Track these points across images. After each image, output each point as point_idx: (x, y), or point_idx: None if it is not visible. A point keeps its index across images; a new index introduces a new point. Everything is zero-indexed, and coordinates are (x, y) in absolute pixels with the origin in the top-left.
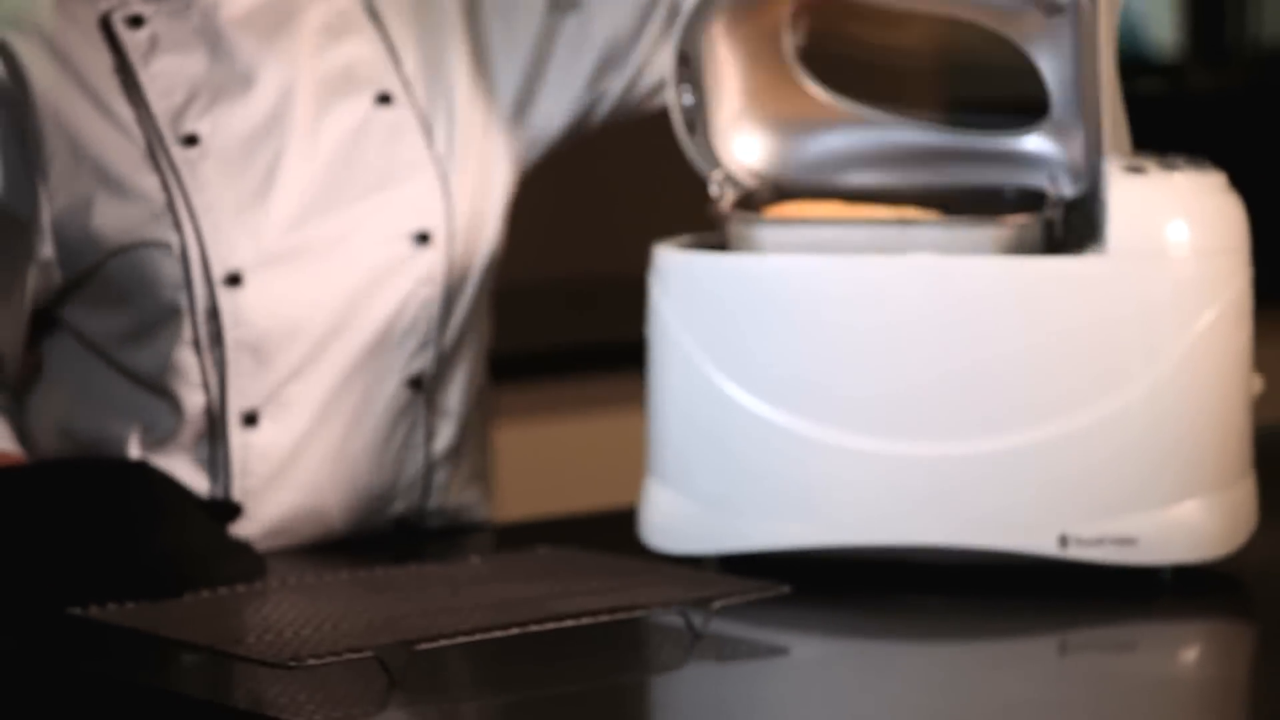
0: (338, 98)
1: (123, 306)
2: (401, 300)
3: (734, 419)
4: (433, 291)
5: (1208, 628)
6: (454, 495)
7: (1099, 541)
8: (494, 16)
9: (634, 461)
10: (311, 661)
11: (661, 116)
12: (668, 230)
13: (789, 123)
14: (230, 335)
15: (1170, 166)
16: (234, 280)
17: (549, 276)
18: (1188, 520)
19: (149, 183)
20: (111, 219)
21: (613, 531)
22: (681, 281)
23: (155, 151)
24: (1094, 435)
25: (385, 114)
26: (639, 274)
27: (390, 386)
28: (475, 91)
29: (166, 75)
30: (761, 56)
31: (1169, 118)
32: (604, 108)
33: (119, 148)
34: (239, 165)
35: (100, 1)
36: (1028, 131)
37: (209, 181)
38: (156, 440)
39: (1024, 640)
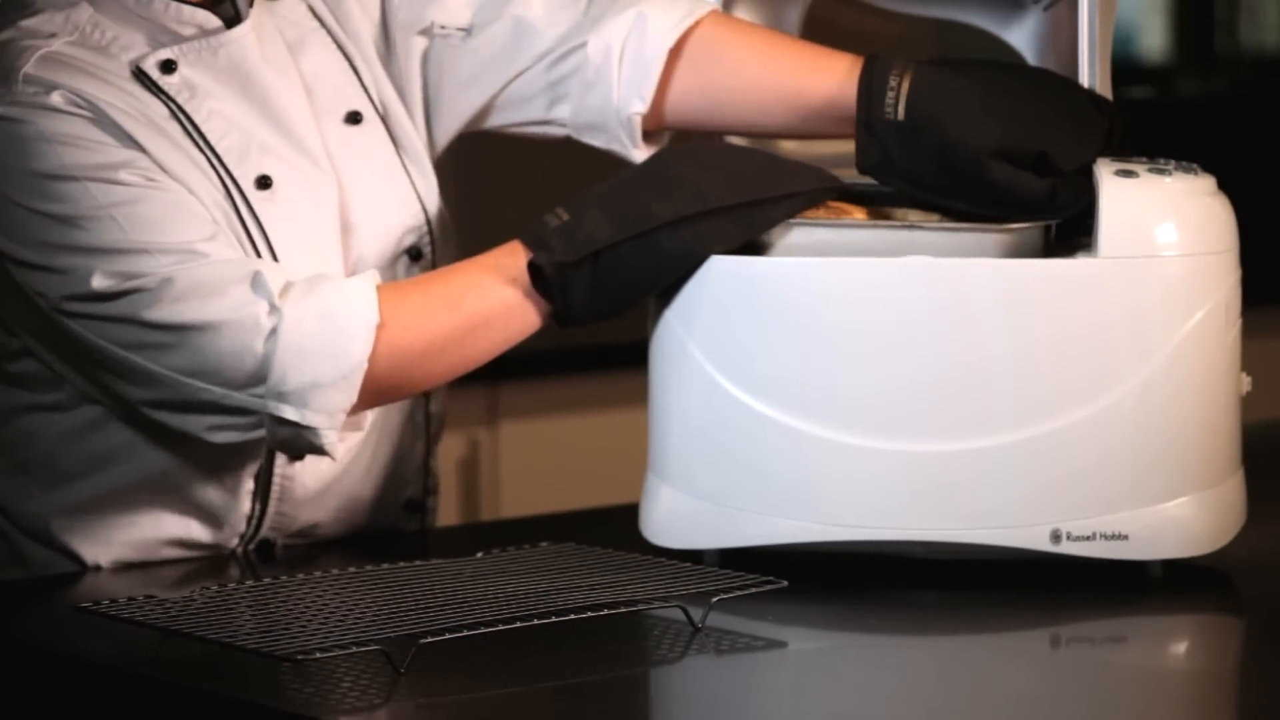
0: (330, 121)
1: None
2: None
3: (733, 417)
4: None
5: (1197, 621)
6: (434, 476)
7: (1091, 537)
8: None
9: (635, 459)
10: (318, 655)
11: None
12: None
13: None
14: None
15: (1160, 170)
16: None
17: None
18: (1178, 516)
19: (235, 227)
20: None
21: (614, 527)
22: (681, 281)
23: (233, 198)
24: (1086, 433)
25: (361, 133)
26: None
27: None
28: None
29: (218, 117)
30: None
31: (1158, 122)
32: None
33: (206, 191)
34: (297, 206)
35: (118, 54)
36: None
37: (276, 224)
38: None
39: (1017, 634)
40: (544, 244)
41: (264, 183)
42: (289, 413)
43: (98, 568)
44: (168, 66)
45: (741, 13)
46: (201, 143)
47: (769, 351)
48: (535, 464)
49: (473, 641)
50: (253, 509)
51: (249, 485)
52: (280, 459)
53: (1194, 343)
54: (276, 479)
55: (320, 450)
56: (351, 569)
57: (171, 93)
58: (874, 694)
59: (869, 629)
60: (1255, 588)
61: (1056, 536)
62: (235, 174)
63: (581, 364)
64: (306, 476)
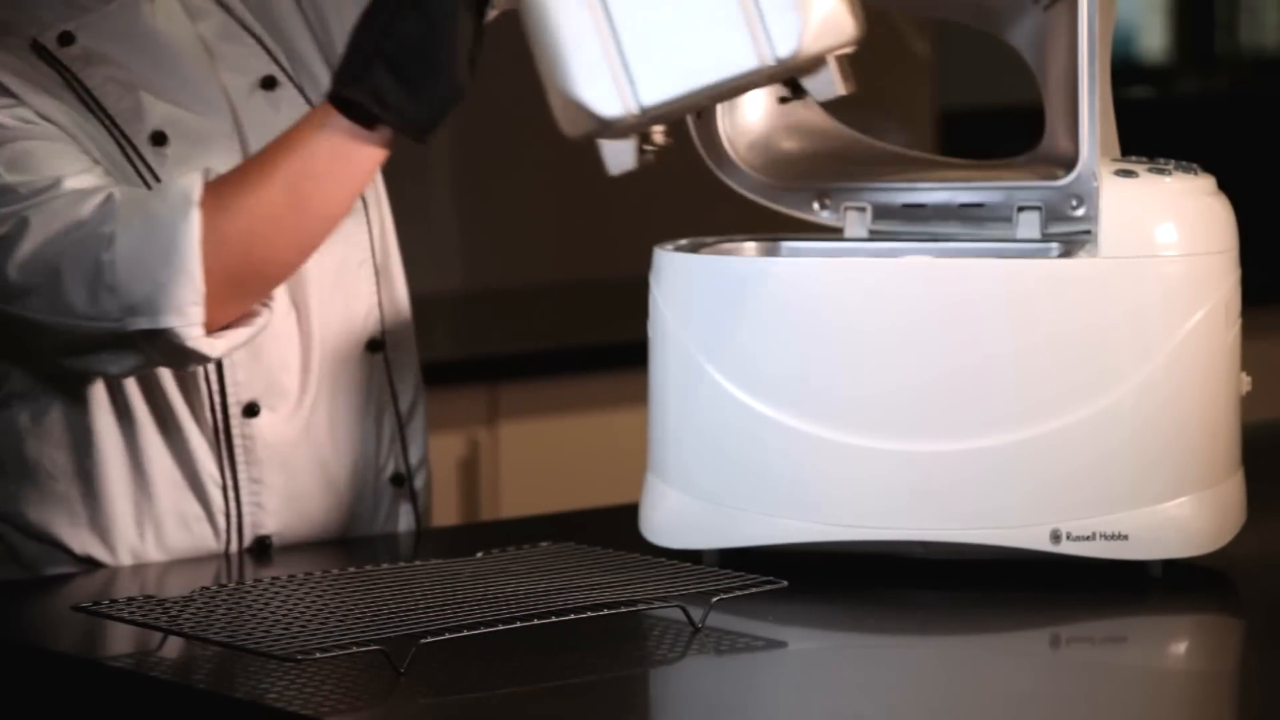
0: (243, 87)
1: None
2: (350, 272)
3: (733, 417)
4: (365, 255)
5: (1197, 621)
6: (419, 447)
7: (1091, 537)
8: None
9: (635, 459)
10: (319, 655)
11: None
12: (666, 233)
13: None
14: None
15: (1160, 170)
16: None
17: (550, 278)
18: (1178, 516)
19: (133, 180)
20: None
21: (614, 527)
22: (681, 282)
23: (129, 154)
24: (1086, 433)
25: (277, 97)
26: (639, 275)
27: (355, 354)
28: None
29: (113, 81)
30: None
31: (1158, 122)
32: None
33: (99, 144)
34: (193, 157)
35: (23, 30)
36: (1022, 162)
37: (174, 175)
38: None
39: (1017, 633)
40: (333, 82)
41: (159, 138)
42: (144, 323)
43: (90, 560)
44: (66, 39)
45: None
46: (95, 106)
47: (769, 351)
48: (535, 464)
49: (473, 641)
50: (223, 474)
51: (210, 445)
52: (235, 417)
53: (1194, 343)
54: (238, 440)
55: (198, 356)
56: (351, 569)
57: (66, 62)
58: (874, 694)
59: (869, 629)
60: (1255, 588)
61: (1056, 536)
62: (129, 131)
63: (581, 364)
64: (264, 431)
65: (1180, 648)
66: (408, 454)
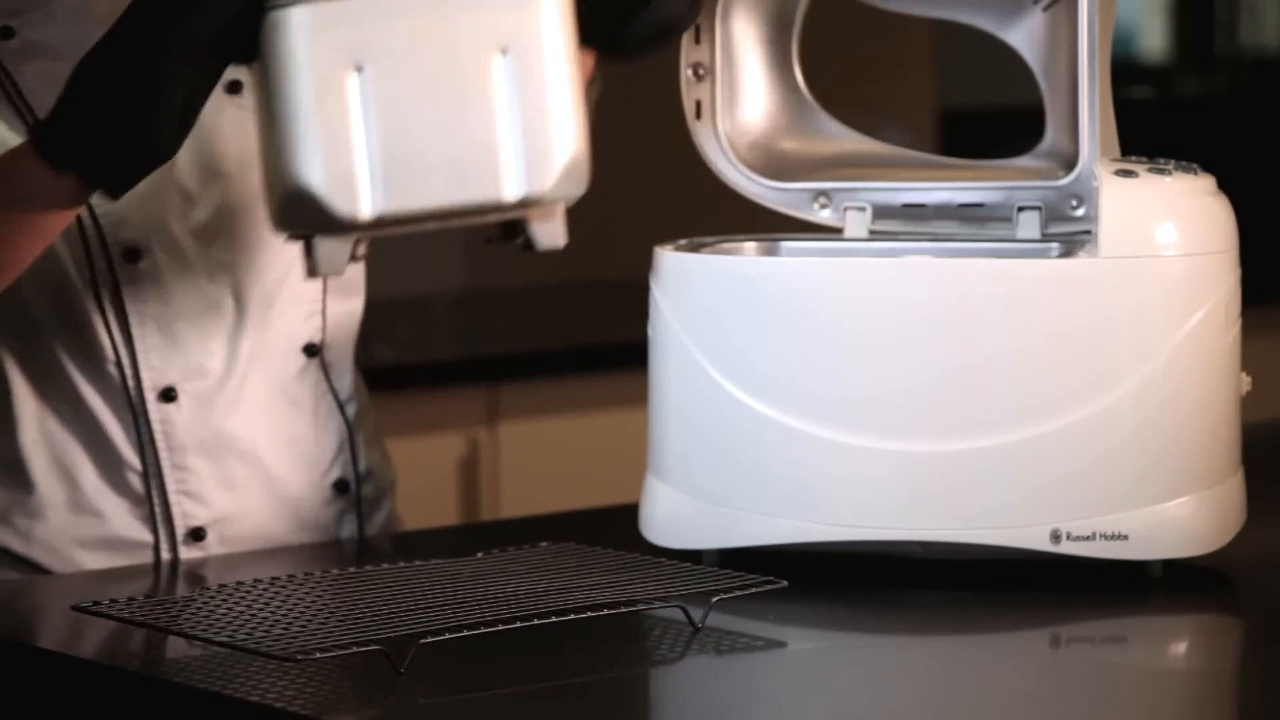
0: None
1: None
2: (299, 275)
3: (733, 417)
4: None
5: (1197, 622)
6: (368, 457)
7: (1091, 537)
8: None
9: (635, 459)
10: (318, 655)
11: (662, 121)
12: (666, 233)
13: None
14: (134, 312)
15: (1160, 170)
16: (132, 257)
17: (550, 278)
18: (1178, 516)
19: None
20: None
21: (613, 527)
22: (681, 282)
23: None
24: (1086, 433)
25: (238, 101)
26: (639, 275)
27: (290, 353)
28: None
29: (41, 78)
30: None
31: (1158, 122)
32: None
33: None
34: None
35: None
36: (1022, 163)
37: None
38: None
39: (1016, 634)
40: (37, 122)
41: None
42: None
43: (28, 562)
44: (6, 33)
45: (740, 12)
46: (20, 102)
47: (769, 351)
48: (535, 464)
49: (473, 641)
50: (144, 462)
51: (127, 432)
52: (151, 402)
53: (1194, 343)
54: (156, 426)
55: None
56: (351, 569)
57: (2, 58)
58: (874, 694)
59: (869, 629)
60: (1255, 588)
61: (1056, 536)
62: None
63: (581, 364)
64: (184, 416)
65: (1180, 648)
66: (357, 462)
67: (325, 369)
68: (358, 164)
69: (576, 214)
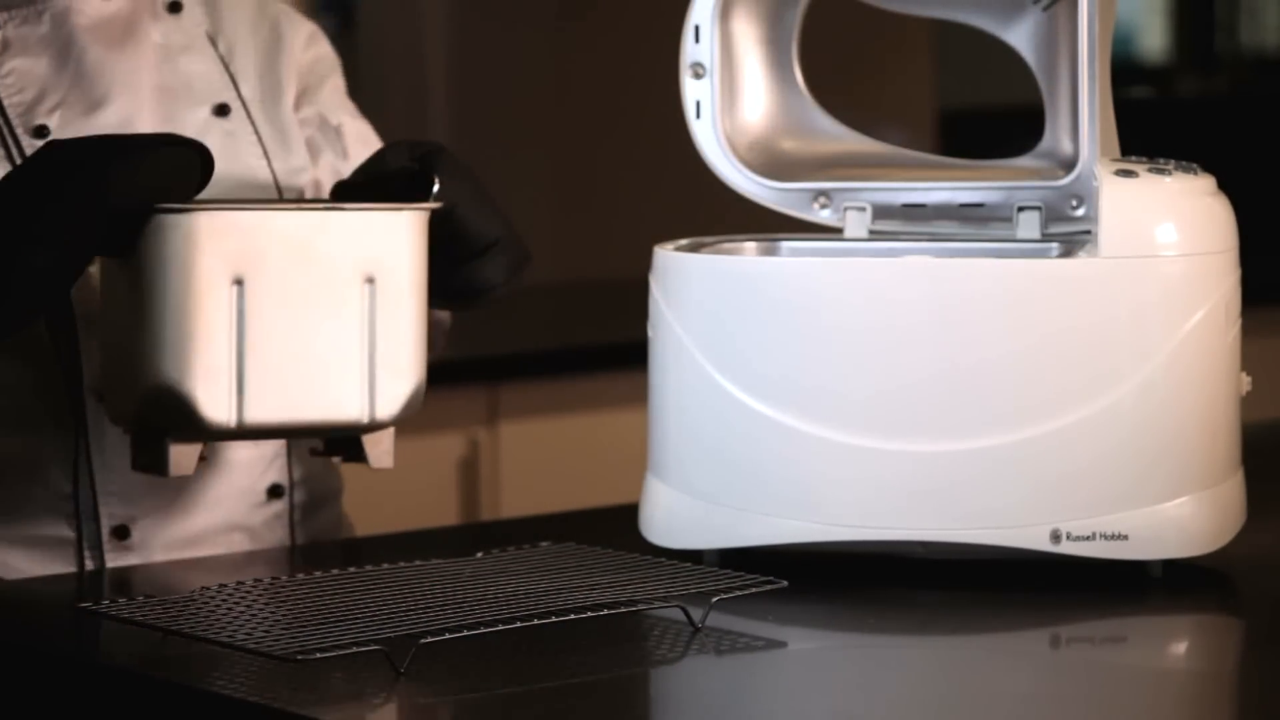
0: (180, 107)
1: None
2: None
3: (733, 417)
4: None
5: (1197, 621)
6: (305, 465)
7: (1091, 537)
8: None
9: (635, 459)
10: (318, 655)
11: (662, 121)
12: (666, 233)
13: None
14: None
15: (1160, 170)
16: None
17: (550, 278)
18: (1178, 516)
19: (3, 171)
20: None
21: (614, 527)
22: (681, 282)
23: (7, 143)
24: (1086, 433)
25: (224, 124)
26: (639, 275)
27: None
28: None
29: (18, 74)
30: (774, 48)
31: (1158, 122)
32: None
33: None
34: None
35: None
36: (1022, 163)
37: None
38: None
39: (1017, 634)
40: None
41: (40, 132)
42: None
43: None
44: None
45: (740, 12)
46: None
47: (769, 351)
48: (535, 464)
49: (473, 641)
50: (76, 456)
51: (57, 425)
52: (90, 404)
53: (1194, 343)
54: (90, 422)
55: None
56: (352, 569)
57: None
58: (874, 694)
59: (869, 629)
60: (1255, 588)
61: (1056, 536)
62: (15, 123)
63: (581, 364)
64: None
65: (1180, 648)
66: (291, 469)
67: None
68: (227, 372)
69: (577, 214)
